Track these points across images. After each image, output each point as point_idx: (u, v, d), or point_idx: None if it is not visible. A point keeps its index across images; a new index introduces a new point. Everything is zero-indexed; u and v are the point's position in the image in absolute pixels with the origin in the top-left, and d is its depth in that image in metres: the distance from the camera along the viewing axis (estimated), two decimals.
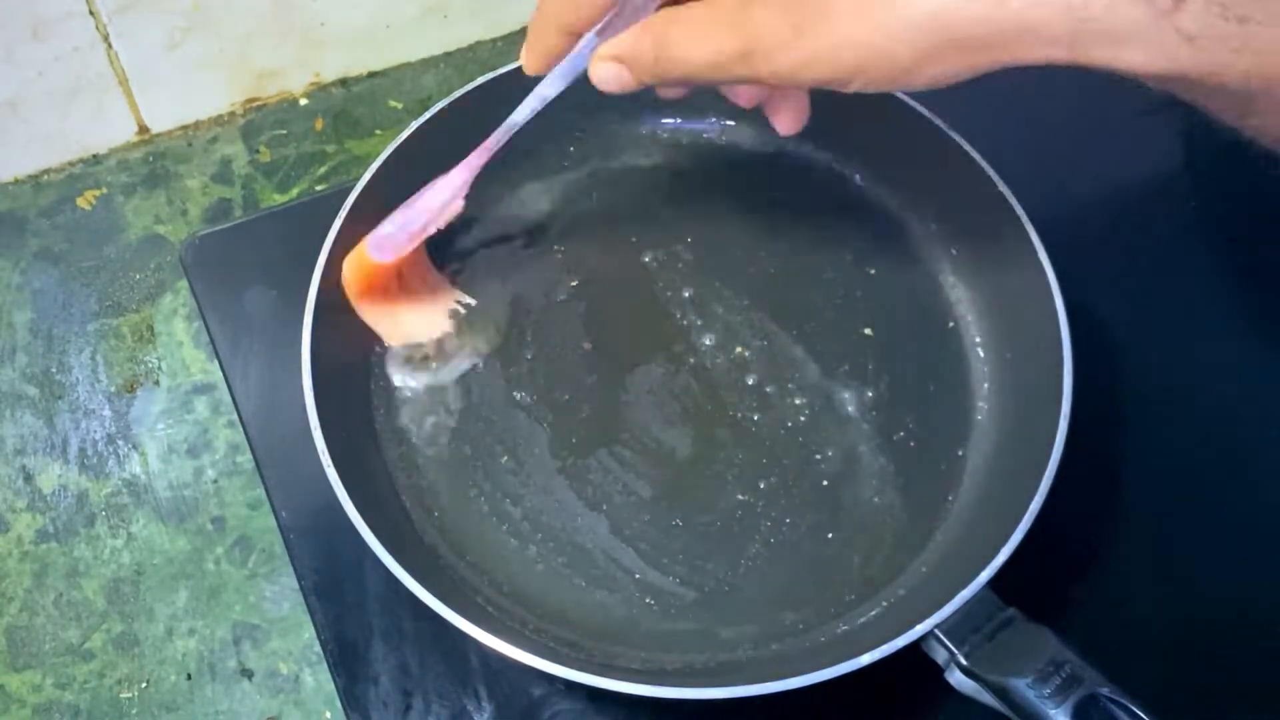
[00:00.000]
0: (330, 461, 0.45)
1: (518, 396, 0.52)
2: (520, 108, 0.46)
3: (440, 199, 0.49)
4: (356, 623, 0.50)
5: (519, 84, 0.56)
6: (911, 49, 0.32)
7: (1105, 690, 0.39)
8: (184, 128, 0.73)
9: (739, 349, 0.54)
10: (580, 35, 0.41)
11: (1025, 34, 0.31)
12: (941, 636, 0.42)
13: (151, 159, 0.72)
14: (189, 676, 0.56)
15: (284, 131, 0.73)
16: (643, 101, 0.60)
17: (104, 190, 0.71)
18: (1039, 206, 0.52)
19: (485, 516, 0.49)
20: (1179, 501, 0.53)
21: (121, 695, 0.56)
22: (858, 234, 0.58)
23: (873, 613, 0.47)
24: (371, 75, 0.76)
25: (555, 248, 0.57)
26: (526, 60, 0.43)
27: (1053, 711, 0.39)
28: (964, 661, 0.42)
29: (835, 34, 0.33)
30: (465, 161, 0.48)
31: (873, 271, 0.56)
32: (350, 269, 0.50)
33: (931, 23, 0.32)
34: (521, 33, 0.77)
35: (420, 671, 0.49)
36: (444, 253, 0.57)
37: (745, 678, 0.41)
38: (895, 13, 0.32)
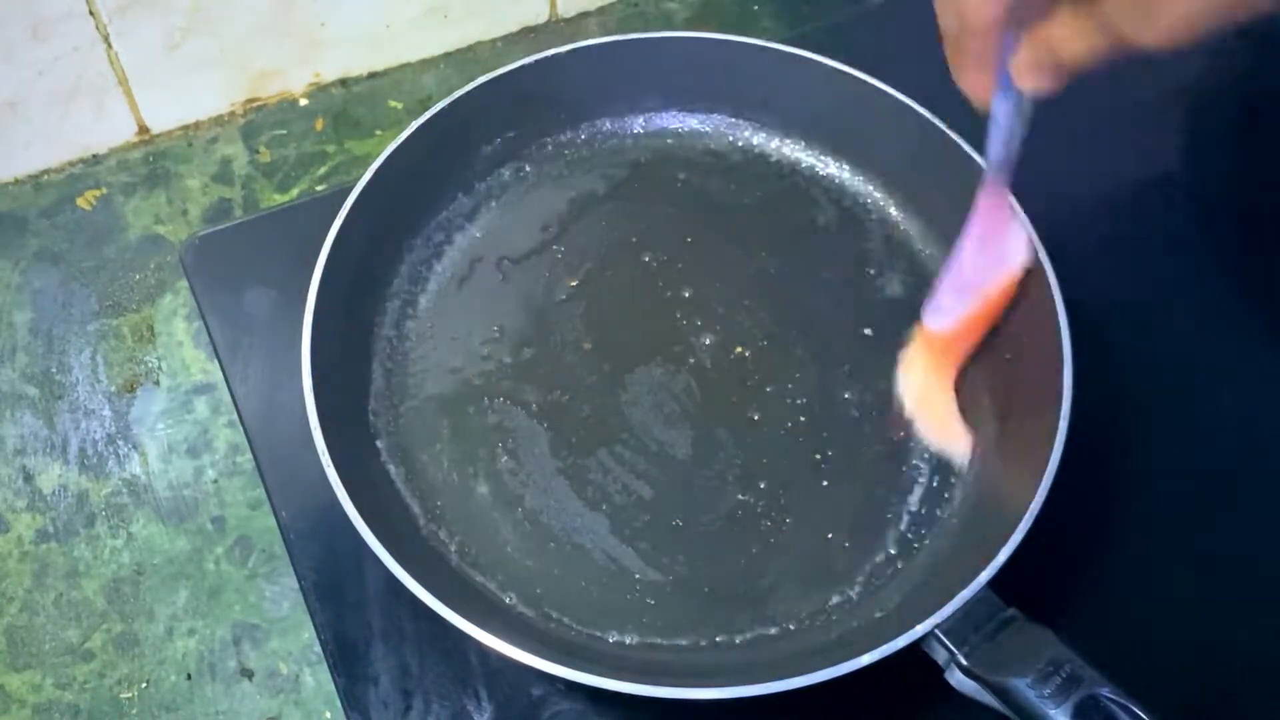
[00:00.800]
0: (330, 461, 0.45)
1: (517, 396, 0.52)
2: (999, 143, 0.44)
3: (985, 246, 0.48)
4: (356, 623, 0.50)
5: (519, 84, 0.56)
6: None
7: (1105, 690, 0.39)
8: (184, 128, 0.73)
9: (739, 349, 0.54)
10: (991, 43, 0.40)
11: None
12: (941, 636, 0.42)
13: (151, 159, 0.72)
14: (189, 676, 0.56)
15: (284, 132, 0.73)
16: (643, 101, 0.60)
17: (104, 190, 0.71)
18: (1039, 206, 0.52)
19: (485, 516, 0.49)
20: (1179, 501, 0.53)
21: (121, 695, 0.56)
22: (857, 234, 0.58)
23: (873, 613, 0.47)
24: (371, 75, 0.76)
25: (555, 248, 0.57)
26: (969, 91, 0.42)
27: (1053, 712, 0.39)
28: (964, 661, 0.42)
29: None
30: (987, 187, 0.47)
31: (872, 272, 0.56)
32: (918, 358, 0.51)
33: None
34: (522, 33, 0.78)
35: (420, 671, 0.49)
36: (444, 253, 0.57)
37: (745, 678, 0.41)
38: None
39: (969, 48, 0.40)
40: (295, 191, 0.71)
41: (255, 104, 0.74)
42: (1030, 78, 0.39)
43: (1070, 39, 0.37)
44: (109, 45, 0.66)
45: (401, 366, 0.53)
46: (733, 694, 0.40)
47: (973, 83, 0.41)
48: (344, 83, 0.75)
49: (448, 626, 0.41)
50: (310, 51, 0.73)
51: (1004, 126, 0.43)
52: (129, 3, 0.65)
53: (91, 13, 0.64)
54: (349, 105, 0.74)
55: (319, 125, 0.74)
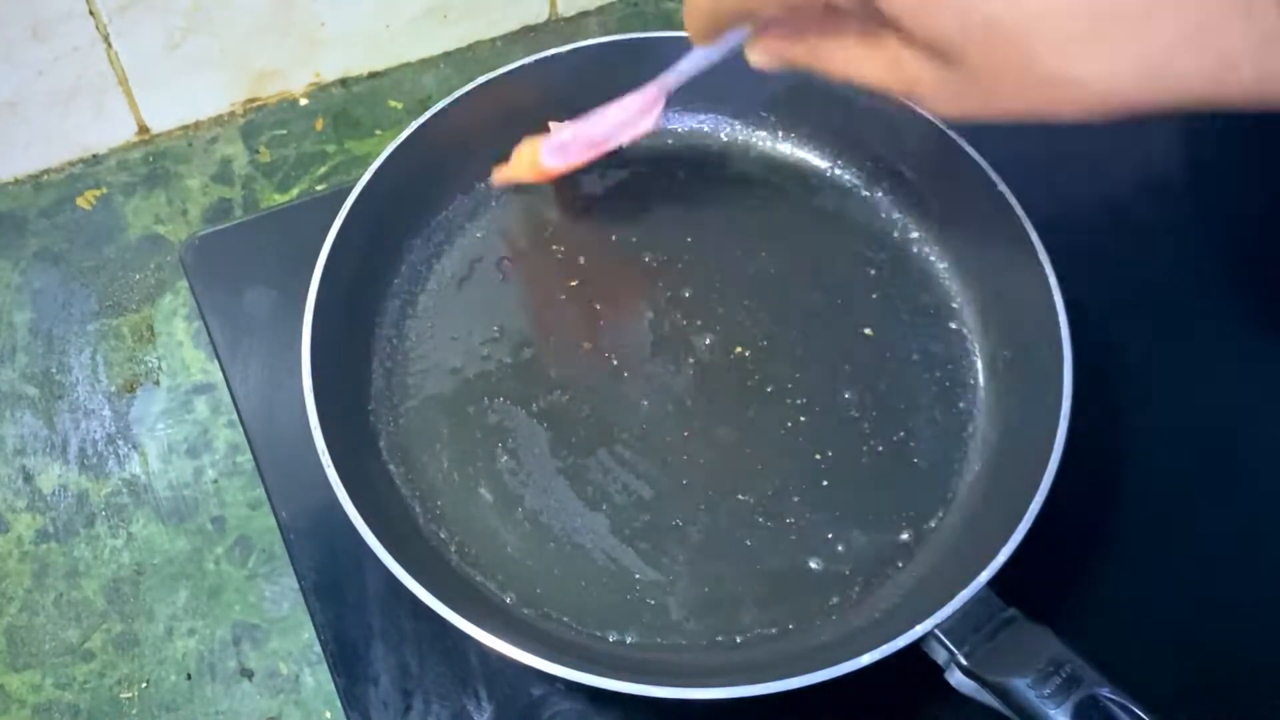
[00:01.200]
0: (330, 462, 0.45)
1: (518, 396, 0.52)
2: (687, 65, 0.47)
3: (625, 113, 0.51)
4: (356, 623, 0.50)
5: (519, 84, 0.56)
6: (1082, 115, 0.31)
7: (1105, 690, 0.39)
8: (184, 128, 0.73)
9: (739, 349, 0.54)
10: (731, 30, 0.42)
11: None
12: (941, 636, 0.42)
13: (151, 159, 0.72)
14: (189, 676, 0.56)
15: (284, 131, 0.73)
16: None
17: (104, 190, 0.71)
18: (1039, 206, 0.52)
19: (486, 517, 0.49)
20: (1179, 501, 0.53)
21: (121, 695, 0.56)
22: (858, 234, 0.58)
23: (873, 612, 0.47)
24: (371, 75, 0.76)
25: (555, 248, 0.57)
26: (694, 33, 0.43)
27: (1053, 711, 0.39)
28: (964, 661, 0.42)
29: (997, 104, 0.33)
30: (658, 80, 0.50)
31: (872, 272, 0.56)
32: (521, 161, 0.54)
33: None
34: (523, 32, 0.78)
35: (420, 671, 0.49)
36: (444, 253, 0.57)
37: (746, 678, 0.41)
38: (1055, 86, 0.30)
39: (734, 7, 0.40)
40: (295, 191, 0.71)
41: (255, 104, 0.74)
42: (767, 62, 0.41)
43: (850, 62, 0.37)
44: (109, 45, 0.66)
45: (401, 366, 0.53)
46: (733, 694, 0.40)
47: (707, 28, 0.42)
48: (344, 83, 0.75)
49: (448, 626, 0.41)
50: (310, 51, 0.73)
51: (701, 63, 0.46)
52: (129, 3, 0.65)
53: (91, 13, 0.64)
54: (349, 105, 0.74)
55: (319, 125, 0.74)
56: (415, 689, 0.49)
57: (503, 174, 0.56)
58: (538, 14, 0.78)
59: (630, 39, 0.58)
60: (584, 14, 0.79)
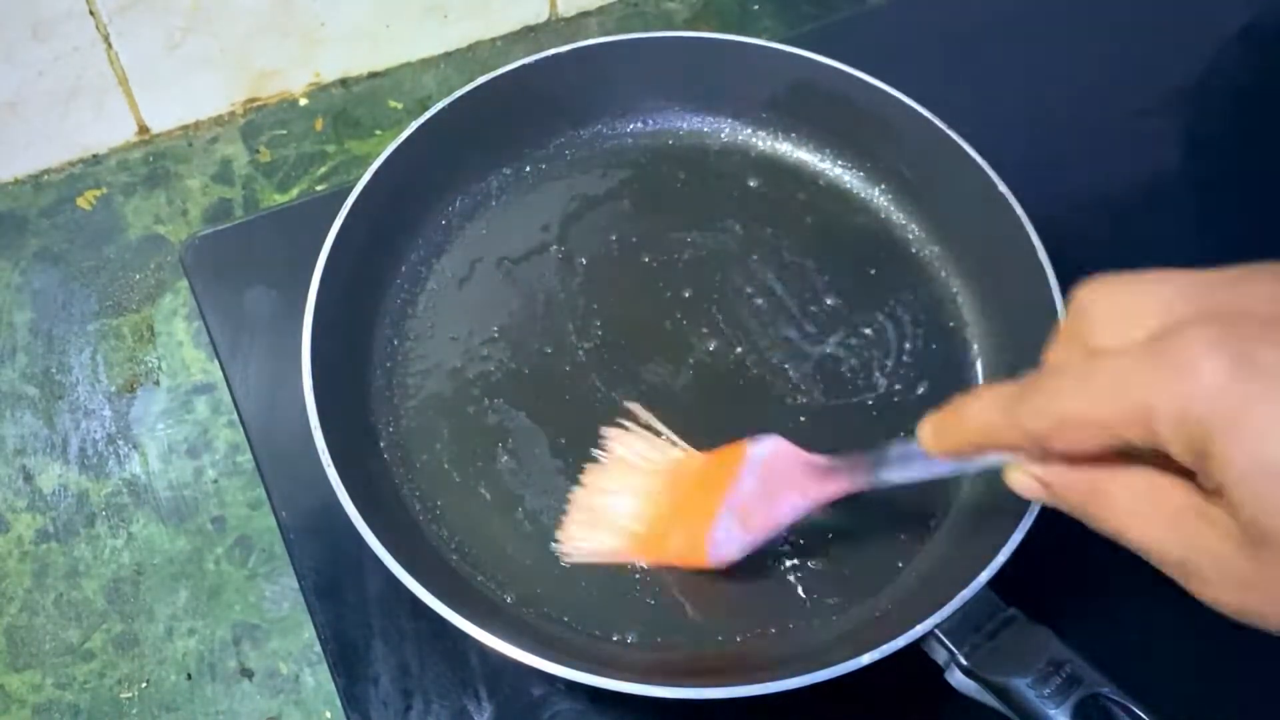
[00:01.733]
0: (330, 461, 0.45)
1: (518, 396, 0.52)
2: (908, 472, 0.41)
3: (789, 518, 0.44)
4: (356, 622, 0.50)
5: (519, 84, 0.56)
6: None
7: (1106, 690, 0.39)
8: (184, 128, 0.73)
9: (739, 349, 0.54)
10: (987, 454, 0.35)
11: None
12: (941, 636, 0.42)
13: (151, 159, 0.72)
14: (189, 676, 0.56)
15: (284, 131, 0.73)
16: (643, 101, 0.60)
17: (104, 190, 0.71)
18: (1039, 206, 0.52)
19: (486, 517, 0.49)
20: None
21: (121, 695, 0.56)
22: (858, 234, 0.58)
23: (873, 613, 0.47)
24: (371, 75, 0.76)
25: (555, 248, 0.57)
26: (927, 441, 0.37)
27: (1053, 711, 0.39)
28: (964, 661, 0.42)
29: None
30: (825, 479, 0.44)
31: (873, 272, 0.56)
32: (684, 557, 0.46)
33: None
34: (523, 32, 0.78)
35: (420, 671, 0.49)
36: (444, 252, 0.57)
37: (745, 678, 0.41)
38: None
39: (964, 446, 0.35)
40: (295, 191, 0.71)
41: (255, 104, 0.74)
42: (1032, 493, 0.34)
43: (1132, 516, 0.31)
44: (109, 45, 0.66)
45: (402, 366, 0.53)
46: (733, 694, 0.40)
47: (939, 451, 0.37)
48: (344, 83, 0.75)
49: (448, 626, 0.41)
50: (310, 51, 0.73)
51: (921, 474, 0.40)
52: (129, 3, 0.65)
53: (91, 13, 0.64)
54: (349, 105, 0.74)
55: (319, 125, 0.74)
56: (415, 689, 0.49)
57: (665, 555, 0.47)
58: (538, 14, 0.78)
59: (630, 39, 0.58)
60: (584, 14, 0.79)
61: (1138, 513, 0.31)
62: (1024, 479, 0.34)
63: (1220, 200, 0.64)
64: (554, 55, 0.56)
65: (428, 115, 0.54)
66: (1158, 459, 0.29)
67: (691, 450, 0.49)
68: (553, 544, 0.48)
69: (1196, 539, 0.29)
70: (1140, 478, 0.30)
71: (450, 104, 0.55)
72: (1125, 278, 0.32)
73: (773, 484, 0.45)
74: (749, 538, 0.45)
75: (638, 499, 0.48)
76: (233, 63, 0.71)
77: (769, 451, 0.45)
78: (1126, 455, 0.30)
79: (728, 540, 0.45)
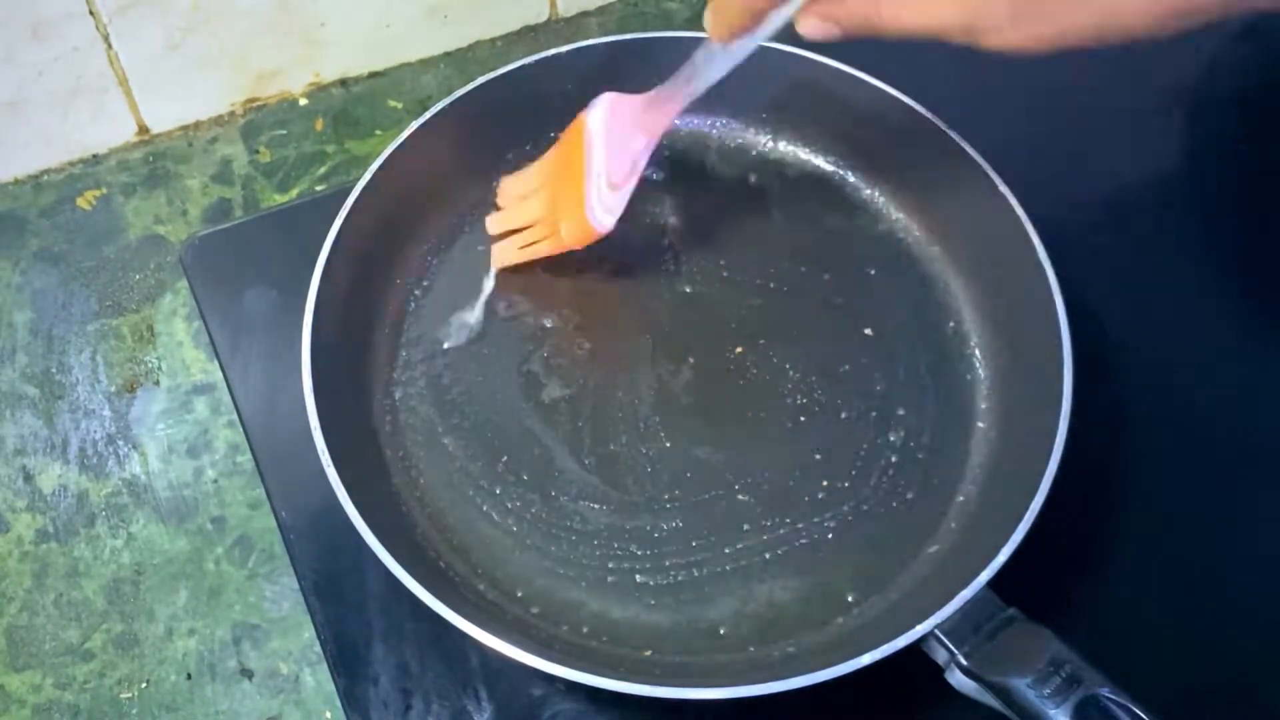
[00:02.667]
0: (330, 461, 0.45)
1: (517, 397, 0.52)
2: (719, 68, 0.46)
3: (644, 156, 0.50)
4: (356, 623, 0.50)
5: (519, 84, 0.56)
6: (1145, 19, 0.33)
7: (1105, 690, 0.39)
8: (184, 128, 0.73)
9: (739, 349, 0.54)
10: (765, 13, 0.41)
11: None
12: (942, 636, 0.42)
13: (151, 159, 0.72)
14: (189, 676, 0.56)
15: (284, 132, 0.73)
16: None
17: (104, 190, 0.71)
18: (1039, 206, 0.52)
19: (485, 517, 0.49)
20: (1179, 501, 0.53)
21: (121, 695, 0.56)
22: (858, 234, 0.58)
23: (872, 614, 0.47)
24: (371, 75, 0.76)
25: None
26: (717, 31, 0.43)
27: (1053, 712, 0.39)
28: (964, 662, 0.42)
29: (1062, 19, 0.34)
30: (658, 109, 0.49)
31: (873, 272, 0.56)
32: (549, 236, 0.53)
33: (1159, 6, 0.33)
34: (523, 32, 0.78)
35: (420, 671, 0.49)
36: (443, 252, 0.57)
37: (746, 678, 0.41)
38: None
39: (738, 18, 0.41)
40: (295, 191, 0.71)
41: (255, 104, 0.74)
42: (822, 32, 0.40)
43: (915, 7, 0.37)
44: (109, 45, 0.66)
45: (402, 366, 0.53)
46: (733, 694, 0.40)
47: (722, 34, 0.42)
48: (344, 83, 0.75)
49: (448, 626, 0.41)
50: (310, 51, 0.73)
51: (721, 68, 0.45)
52: (129, 3, 0.65)
53: (91, 13, 0.64)
54: (349, 105, 0.74)
55: (319, 125, 0.74)
56: (415, 689, 0.49)
57: (511, 253, 0.55)
58: (538, 14, 0.78)
59: (630, 39, 0.58)
60: (584, 14, 0.79)
61: (917, 4, 0.36)
62: (814, 22, 0.40)
63: (1220, 200, 0.64)
64: (554, 55, 0.56)
65: (427, 115, 0.54)
66: None
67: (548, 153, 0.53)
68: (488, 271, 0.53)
69: (977, 3, 0.35)
70: None
71: (450, 104, 0.55)
72: None
73: (617, 137, 0.49)
74: (620, 192, 0.51)
75: (531, 206, 0.54)
76: (233, 63, 0.71)
77: (601, 112, 0.50)
78: None
79: (602, 202, 0.50)
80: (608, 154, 0.50)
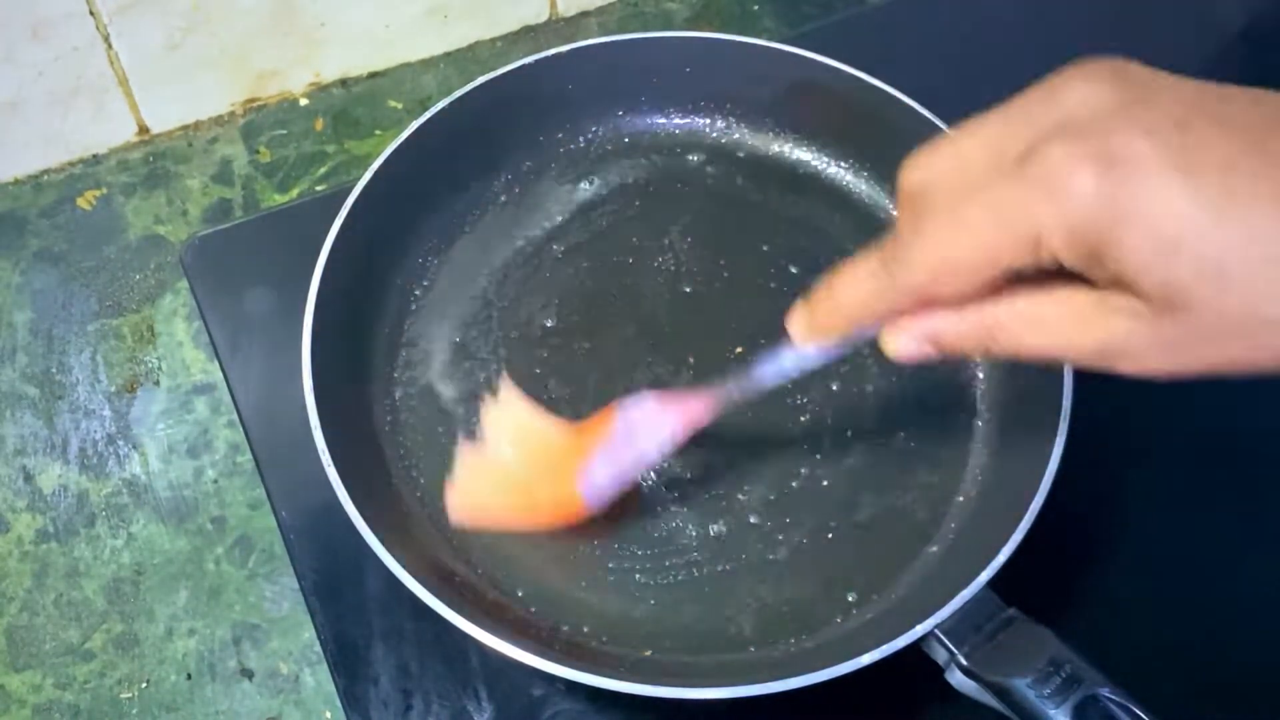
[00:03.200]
0: (330, 461, 0.45)
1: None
2: (775, 367, 0.40)
3: (658, 449, 0.44)
4: (357, 623, 0.50)
5: (519, 84, 0.56)
6: None
7: (1105, 690, 0.39)
8: (184, 128, 0.73)
9: (739, 349, 0.54)
10: (866, 328, 0.36)
11: None
12: (941, 637, 0.42)
13: (151, 159, 0.72)
14: (189, 676, 0.56)
15: (284, 132, 0.73)
16: (642, 101, 0.60)
17: (104, 190, 0.71)
18: None
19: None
20: (1180, 501, 0.53)
21: (121, 695, 0.56)
22: (858, 234, 0.58)
23: (872, 614, 0.47)
24: (371, 75, 0.76)
25: (554, 247, 0.57)
26: (802, 334, 0.38)
27: (1053, 712, 0.39)
28: (964, 662, 0.42)
29: (1210, 355, 0.30)
30: (691, 410, 0.44)
31: None
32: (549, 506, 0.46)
33: None
34: (523, 32, 0.78)
35: (420, 672, 0.49)
36: (443, 253, 0.57)
37: (746, 678, 0.41)
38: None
39: (837, 326, 0.36)
40: (295, 191, 0.71)
41: (255, 104, 0.74)
42: (915, 352, 0.34)
43: (1034, 329, 0.32)
44: (109, 45, 0.67)
45: (402, 366, 0.53)
46: (733, 694, 0.40)
47: (809, 340, 0.37)
48: (344, 83, 0.75)
49: (448, 627, 0.41)
50: (310, 51, 0.73)
51: (802, 367, 0.39)
52: (129, 3, 0.65)
53: (91, 13, 0.64)
54: (349, 105, 0.74)
55: (319, 125, 0.74)
56: (415, 689, 0.49)
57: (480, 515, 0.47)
58: (538, 14, 0.78)
59: (630, 39, 0.58)
60: (584, 14, 0.79)
61: (1044, 327, 0.32)
62: (906, 342, 0.34)
63: None
64: (554, 55, 0.56)
65: (427, 115, 0.54)
66: (1037, 277, 0.31)
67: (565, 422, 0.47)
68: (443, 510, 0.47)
69: (1108, 327, 0.30)
70: (1032, 297, 0.31)
71: (450, 104, 0.55)
72: (934, 145, 0.33)
73: (642, 431, 0.45)
74: (619, 472, 0.45)
75: (515, 468, 0.46)
76: (233, 63, 0.71)
77: (637, 410, 0.45)
78: (1001, 284, 0.31)
79: (599, 479, 0.45)
80: (626, 439, 0.45)
